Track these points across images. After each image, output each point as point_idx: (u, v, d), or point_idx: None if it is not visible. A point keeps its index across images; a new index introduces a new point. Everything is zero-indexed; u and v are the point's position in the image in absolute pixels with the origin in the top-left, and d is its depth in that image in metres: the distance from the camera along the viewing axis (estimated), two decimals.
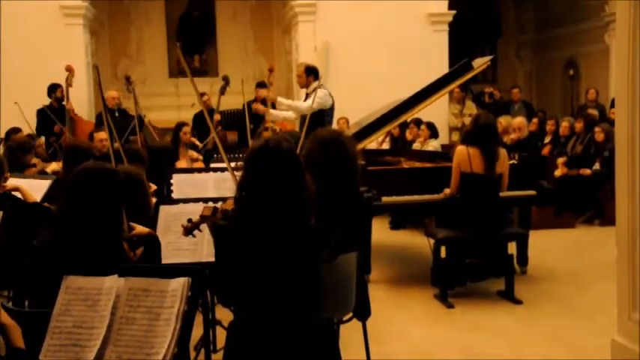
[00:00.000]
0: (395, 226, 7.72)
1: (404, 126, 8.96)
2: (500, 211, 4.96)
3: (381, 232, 7.02)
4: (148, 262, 2.70)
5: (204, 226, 2.76)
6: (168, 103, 11.34)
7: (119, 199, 2.56)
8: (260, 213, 2.34)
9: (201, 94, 8.79)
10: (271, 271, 2.31)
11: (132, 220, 2.68)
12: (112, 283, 2.13)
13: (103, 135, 6.04)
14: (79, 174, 2.54)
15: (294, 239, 2.34)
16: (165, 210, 3.32)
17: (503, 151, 4.95)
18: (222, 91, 8.59)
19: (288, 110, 6.57)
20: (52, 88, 8.48)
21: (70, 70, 8.29)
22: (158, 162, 5.19)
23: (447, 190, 4.96)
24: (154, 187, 4.21)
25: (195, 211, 3.16)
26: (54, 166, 5.94)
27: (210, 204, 3.25)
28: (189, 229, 2.73)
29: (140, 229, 2.74)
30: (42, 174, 5.33)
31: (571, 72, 12.07)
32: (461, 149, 4.82)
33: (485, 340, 4.14)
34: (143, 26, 12.20)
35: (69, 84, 8.29)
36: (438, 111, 8.64)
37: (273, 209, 2.33)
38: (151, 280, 2.14)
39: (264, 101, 7.72)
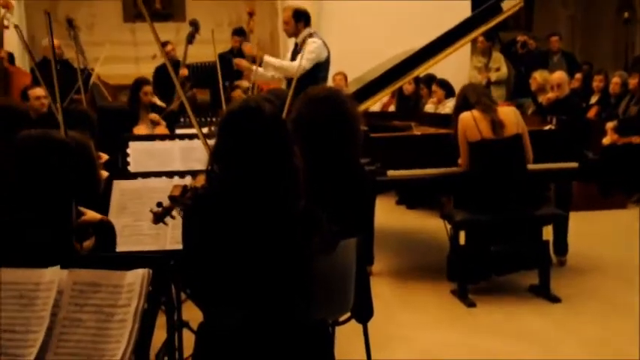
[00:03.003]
0: (403, 201, 7.73)
1: (417, 83, 8.96)
2: (531, 186, 4.99)
3: (386, 213, 7.05)
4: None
5: (177, 213, 2.75)
6: (123, 54, 11.26)
7: (68, 176, 2.55)
8: (236, 190, 2.35)
9: (164, 44, 8.77)
10: (249, 260, 2.33)
11: (77, 200, 2.67)
12: (53, 276, 2.13)
13: (39, 92, 5.99)
14: (18, 145, 2.53)
15: (278, 223, 2.35)
16: (119, 186, 3.32)
17: (510, 109, 5.10)
18: (190, 40, 8.54)
19: (276, 73, 6.57)
20: None
21: (6, 5, 8.09)
22: (111, 127, 5.17)
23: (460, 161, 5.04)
24: (105, 157, 4.21)
25: (158, 187, 3.16)
26: None
27: (177, 179, 3.26)
28: (160, 215, 2.72)
29: (91, 214, 2.74)
30: None
31: (625, 14, 11.98)
32: (465, 115, 4.94)
33: (514, 347, 4.18)
34: None
35: (4, 25, 8.15)
36: (458, 64, 8.62)
37: (253, 186, 2.34)
38: (102, 273, 2.13)
39: (240, 54, 7.69)
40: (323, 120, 2.97)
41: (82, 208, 2.71)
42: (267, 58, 6.59)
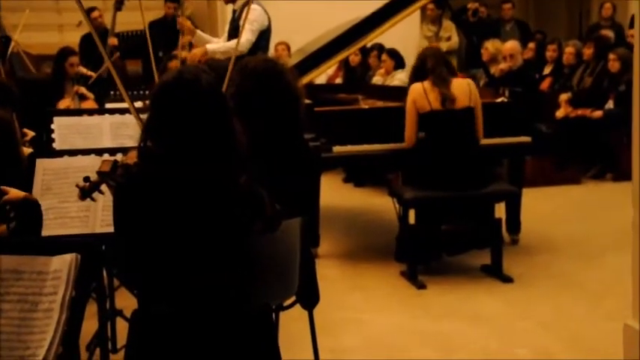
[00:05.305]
0: (350, 178, 7.78)
1: (364, 53, 8.98)
2: (482, 161, 5.05)
3: (332, 191, 7.07)
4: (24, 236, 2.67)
5: (106, 189, 2.73)
6: (45, 21, 11.02)
7: None
8: (171, 166, 2.33)
9: (90, 10, 8.62)
10: (185, 242, 2.32)
11: None
12: None
13: None
14: None
15: (216, 201, 2.34)
16: (44, 165, 3.28)
17: (465, 81, 5.14)
18: (119, 7, 8.41)
19: (225, 57, 6.47)
20: None
21: None
22: (33, 101, 5.08)
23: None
24: (30, 133, 4.14)
25: (86, 166, 3.12)
26: None
27: (107, 157, 3.22)
28: (87, 190, 2.70)
29: (14, 192, 2.70)
30: None
31: None
32: (415, 85, 4.97)
33: (466, 329, 4.25)
34: None
35: None
36: (407, 34, 8.65)
37: (189, 161, 2.32)
38: (25, 259, 2.11)
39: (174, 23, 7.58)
40: (260, 92, 2.96)
41: (3, 187, 2.66)
42: (210, 46, 6.46)
